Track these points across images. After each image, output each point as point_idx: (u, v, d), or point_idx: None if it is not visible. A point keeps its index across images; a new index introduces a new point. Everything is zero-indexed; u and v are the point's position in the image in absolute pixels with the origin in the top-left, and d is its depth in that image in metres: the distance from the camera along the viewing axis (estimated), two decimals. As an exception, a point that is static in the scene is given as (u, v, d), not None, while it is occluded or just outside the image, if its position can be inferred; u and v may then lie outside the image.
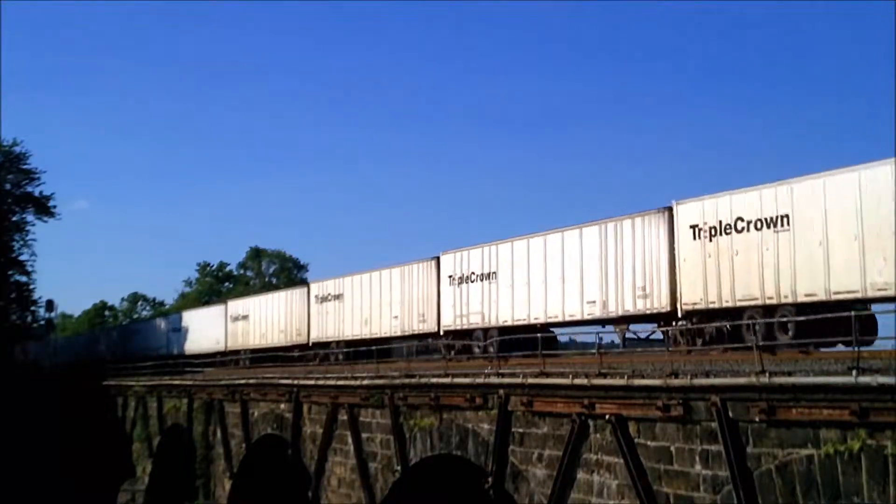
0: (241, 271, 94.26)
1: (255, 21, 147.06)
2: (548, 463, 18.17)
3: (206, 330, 50.25)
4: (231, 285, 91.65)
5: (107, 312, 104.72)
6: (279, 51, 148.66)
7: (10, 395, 47.40)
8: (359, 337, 34.97)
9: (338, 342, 37.52)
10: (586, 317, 24.21)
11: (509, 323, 26.78)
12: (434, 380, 22.06)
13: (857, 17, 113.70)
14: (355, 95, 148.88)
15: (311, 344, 39.36)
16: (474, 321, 28.68)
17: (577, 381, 17.25)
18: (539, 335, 20.39)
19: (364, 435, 25.42)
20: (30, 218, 56.23)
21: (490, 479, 19.62)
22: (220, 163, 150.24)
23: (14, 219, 55.89)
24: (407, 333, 32.49)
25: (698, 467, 14.85)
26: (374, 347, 28.96)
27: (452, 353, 29.13)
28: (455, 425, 21.41)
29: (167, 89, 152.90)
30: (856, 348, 13.60)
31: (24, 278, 56.67)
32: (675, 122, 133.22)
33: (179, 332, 53.91)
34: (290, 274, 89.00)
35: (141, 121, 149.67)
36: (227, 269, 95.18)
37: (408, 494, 23.71)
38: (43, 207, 56.11)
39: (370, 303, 34.94)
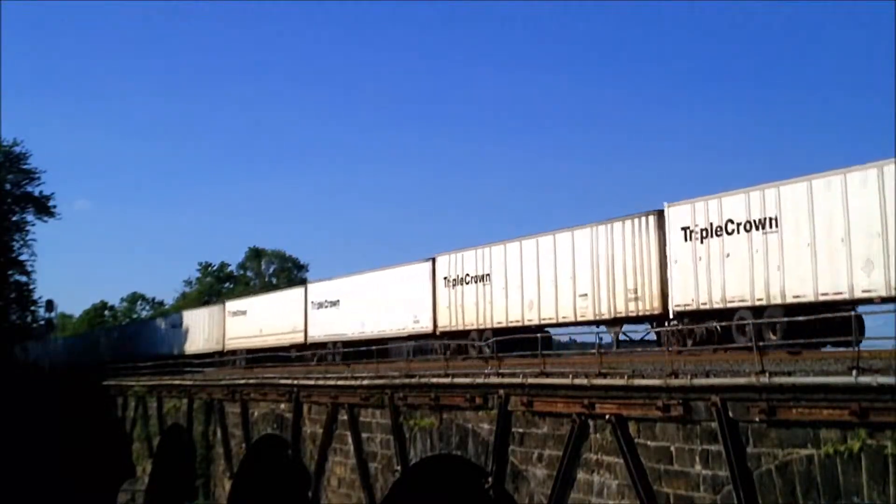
0: (241, 271, 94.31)
1: (255, 21, 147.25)
2: (548, 463, 18.17)
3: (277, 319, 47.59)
4: (231, 285, 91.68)
5: (107, 312, 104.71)
6: (279, 51, 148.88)
7: (10, 395, 47.39)
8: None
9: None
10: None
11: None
12: (434, 380, 22.06)
13: (857, 17, 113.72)
14: (355, 95, 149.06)
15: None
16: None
17: (577, 381, 17.24)
18: (538, 335, 20.39)
19: (364, 435, 25.42)
20: (30, 218, 56.39)
21: (490, 479, 19.62)
22: (220, 163, 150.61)
23: (14, 219, 55.94)
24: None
25: (698, 467, 14.84)
26: (373, 347, 29.06)
27: (447, 352, 29.14)
28: (455, 425, 21.40)
29: (167, 89, 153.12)
30: (856, 348, 13.61)
31: (24, 278, 56.82)
32: (674, 123, 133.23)
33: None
34: (289, 274, 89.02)
35: (141, 121, 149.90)
36: (228, 269, 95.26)
37: (408, 494, 23.71)
38: (43, 207, 56.14)
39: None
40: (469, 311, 29.06)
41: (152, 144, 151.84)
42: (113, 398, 50.24)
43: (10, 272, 55.81)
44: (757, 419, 13.77)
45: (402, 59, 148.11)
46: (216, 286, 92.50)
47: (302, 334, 40.26)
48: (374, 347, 29.05)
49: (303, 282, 62.75)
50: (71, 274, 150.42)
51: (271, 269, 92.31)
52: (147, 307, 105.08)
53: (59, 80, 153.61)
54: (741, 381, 14.06)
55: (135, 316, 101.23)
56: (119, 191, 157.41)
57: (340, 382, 26.69)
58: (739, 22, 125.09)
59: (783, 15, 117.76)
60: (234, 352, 46.76)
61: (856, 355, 13.20)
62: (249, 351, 44.78)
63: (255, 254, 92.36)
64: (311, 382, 28.88)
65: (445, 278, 30.39)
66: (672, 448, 15.36)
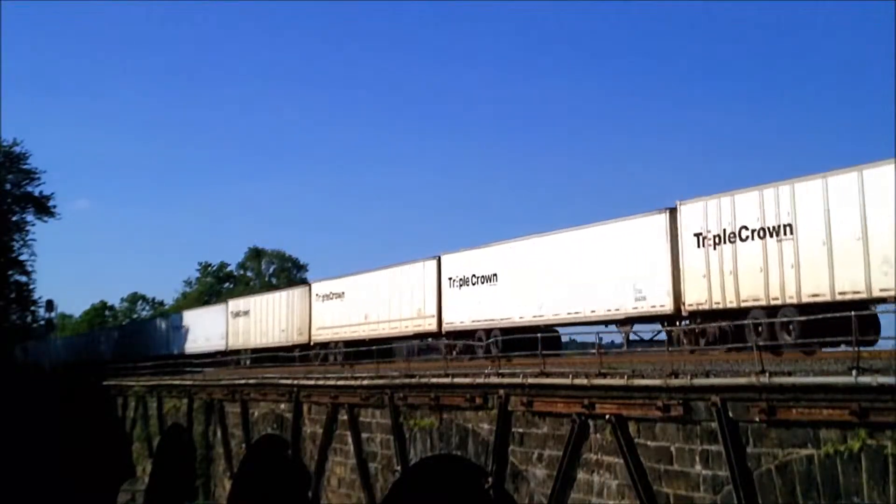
0: (241, 271, 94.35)
1: (255, 21, 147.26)
2: (548, 463, 18.17)
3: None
4: (231, 285, 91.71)
5: (107, 312, 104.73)
6: (279, 51, 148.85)
7: (10, 395, 47.40)
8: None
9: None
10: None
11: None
12: (434, 380, 22.06)
13: (858, 17, 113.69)
14: (355, 95, 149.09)
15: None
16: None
17: (577, 381, 17.24)
18: (538, 335, 20.20)
19: (364, 435, 25.42)
20: (30, 218, 56.40)
21: (490, 479, 19.62)
22: (220, 163, 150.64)
23: (14, 219, 55.93)
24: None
25: (698, 467, 14.84)
26: (374, 347, 28.97)
27: (454, 353, 29.03)
28: (455, 425, 21.40)
29: (167, 89, 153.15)
30: (856, 348, 13.60)
31: (24, 278, 56.81)
32: (677, 122, 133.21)
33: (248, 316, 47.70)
34: (289, 274, 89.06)
35: (141, 121, 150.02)
36: (228, 269, 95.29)
37: (408, 494, 23.71)
38: (43, 207, 56.15)
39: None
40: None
41: (152, 144, 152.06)
42: (113, 398, 50.26)
43: (10, 272, 55.81)
44: (757, 419, 13.76)
45: (402, 60, 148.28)
46: (216, 286, 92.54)
47: (433, 320, 30.81)
48: (540, 335, 20.65)
49: (304, 281, 62.58)
50: (71, 274, 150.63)
51: (271, 269, 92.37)
52: (147, 307, 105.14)
53: (59, 80, 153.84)
54: (741, 381, 14.06)
55: (135, 316, 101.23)
56: (119, 191, 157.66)
57: (340, 382, 26.70)
58: (739, 18, 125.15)
59: (795, 14, 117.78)
60: (325, 344, 38.22)
61: (856, 355, 13.19)
62: (349, 343, 34.95)
63: (255, 254, 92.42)
64: (311, 382, 28.88)
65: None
66: (672, 448, 15.36)
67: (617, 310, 23.31)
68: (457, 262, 29.78)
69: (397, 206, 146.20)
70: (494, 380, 19.87)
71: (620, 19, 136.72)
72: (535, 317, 25.84)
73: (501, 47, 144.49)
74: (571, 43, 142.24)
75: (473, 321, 28.50)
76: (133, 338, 63.73)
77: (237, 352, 46.17)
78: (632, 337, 23.88)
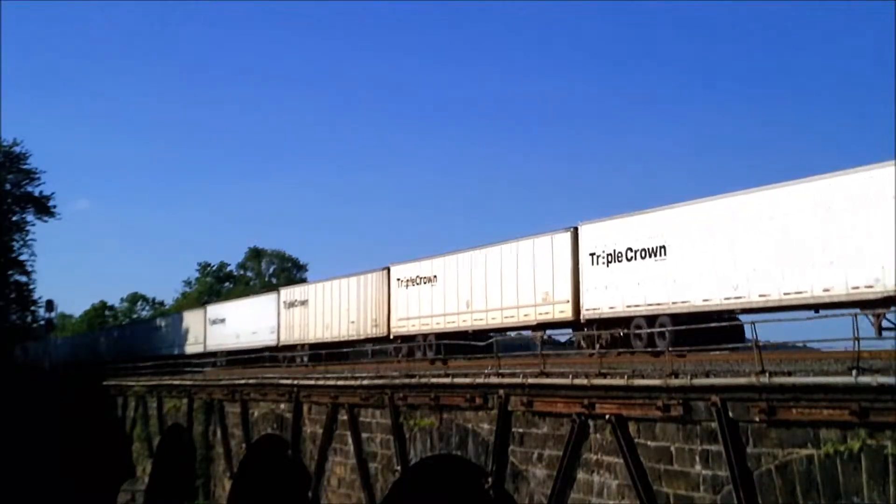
0: (241, 271, 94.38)
1: (255, 21, 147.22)
2: (548, 463, 18.18)
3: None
4: (231, 285, 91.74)
5: (107, 312, 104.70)
6: (279, 51, 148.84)
7: (10, 395, 47.42)
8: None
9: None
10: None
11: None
12: (434, 380, 22.07)
13: (857, 16, 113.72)
14: (355, 95, 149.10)
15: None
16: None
17: (577, 381, 17.26)
18: (723, 323, 19.89)
19: (364, 435, 25.43)
20: (30, 218, 56.40)
21: (490, 479, 19.63)
22: (220, 163, 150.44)
23: (14, 219, 55.96)
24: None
25: (698, 467, 14.85)
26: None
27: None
28: (455, 425, 21.41)
29: (167, 89, 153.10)
30: (856, 349, 13.60)
31: (24, 278, 56.82)
32: (678, 122, 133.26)
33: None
34: (289, 274, 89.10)
35: (141, 121, 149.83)
36: (227, 269, 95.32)
37: (408, 494, 23.72)
38: (43, 207, 56.18)
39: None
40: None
41: (152, 144, 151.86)
42: (113, 398, 50.28)
43: (10, 272, 55.84)
44: (757, 419, 13.77)
45: (402, 60, 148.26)
46: (216, 286, 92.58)
47: (565, 305, 24.94)
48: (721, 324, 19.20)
49: (303, 280, 61.80)
50: (71, 274, 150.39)
51: (271, 269, 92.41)
52: (147, 307, 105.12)
53: (59, 80, 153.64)
54: (741, 381, 14.07)
55: (135, 316, 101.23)
56: (119, 191, 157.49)
57: (340, 382, 26.71)
58: (739, 18, 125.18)
59: (793, 14, 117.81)
60: (410, 337, 32.16)
61: (856, 355, 13.19)
62: (441, 336, 29.88)
63: (255, 254, 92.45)
64: (311, 382, 28.91)
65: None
66: (672, 448, 15.37)
67: None
68: (603, 233, 23.90)
69: (397, 206, 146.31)
70: (494, 380, 19.88)
71: (619, 20, 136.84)
72: (725, 300, 20.16)
73: (501, 47, 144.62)
74: (571, 43, 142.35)
75: (629, 306, 22.70)
76: (150, 335, 59.66)
77: (291, 347, 40.13)
78: None
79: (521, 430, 19.08)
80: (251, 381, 33.93)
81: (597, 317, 23.69)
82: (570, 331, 26.46)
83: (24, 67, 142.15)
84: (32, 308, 59.62)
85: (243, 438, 34.00)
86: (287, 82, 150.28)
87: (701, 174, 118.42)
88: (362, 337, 34.57)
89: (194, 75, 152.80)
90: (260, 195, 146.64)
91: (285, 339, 40.84)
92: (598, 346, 21.90)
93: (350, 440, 25.87)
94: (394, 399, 23.58)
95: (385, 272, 33.66)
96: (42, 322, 63.02)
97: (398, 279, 32.81)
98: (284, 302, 41.21)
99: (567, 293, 24.73)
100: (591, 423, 17.11)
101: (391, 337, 32.73)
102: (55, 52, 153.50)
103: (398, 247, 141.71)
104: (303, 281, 75.63)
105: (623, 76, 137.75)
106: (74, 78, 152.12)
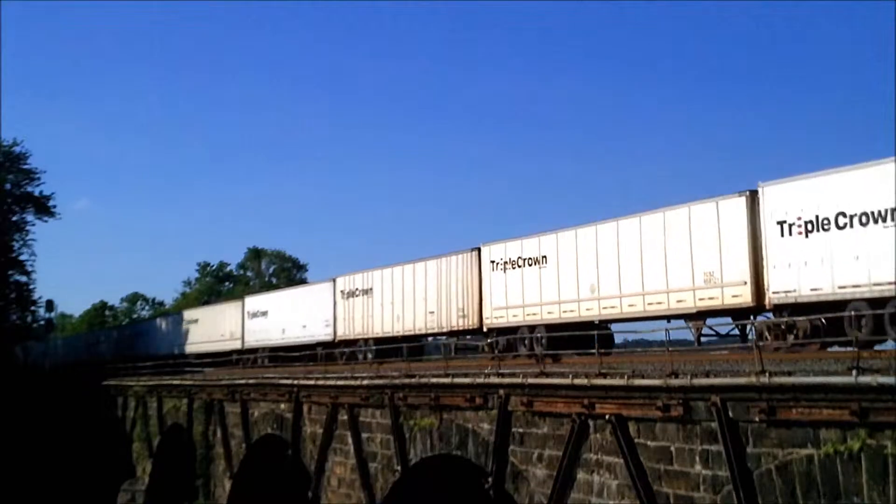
0: (241, 271, 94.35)
1: (256, 21, 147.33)
2: (548, 463, 18.17)
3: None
4: (231, 285, 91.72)
5: (107, 312, 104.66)
6: (280, 51, 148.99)
7: (10, 395, 47.42)
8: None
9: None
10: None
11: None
12: (434, 380, 22.06)
13: (858, 16, 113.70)
14: (355, 95, 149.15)
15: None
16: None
17: (577, 381, 17.25)
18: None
19: (364, 435, 25.42)
20: (30, 218, 56.54)
21: (490, 479, 19.62)
22: (220, 163, 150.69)
23: (14, 219, 56.02)
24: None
25: (698, 467, 14.84)
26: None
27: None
28: (455, 425, 21.41)
29: (167, 89, 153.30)
30: (856, 349, 13.61)
31: (24, 278, 56.92)
32: (680, 122, 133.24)
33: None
34: (289, 274, 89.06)
35: (141, 121, 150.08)
36: (228, 269, 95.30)
37: (408, 494, 23.71)
38: (43, 207, 56.25)
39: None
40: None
41: (152, 144, 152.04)
42: (113, 398, 50.26)
43: (10, 272, 55.88)
44: (757, 419, 13.77)
45: (402, 60, 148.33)
46: (216, 286, 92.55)
47: (740, 288, 20.31)
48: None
49: (303, 281, 61.08)
50: (71, 274, 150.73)
51: (271, 270, 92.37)
52: (147, 307, 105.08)
53: (59, 80, 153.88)
54: (741, 380, 14.07)
55: (135, 316, 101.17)
56: (119, 191, 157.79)
57: (340, 382, 26.70)
58: (738, 18, 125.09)
59: (794, 14, 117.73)
60: (509, 329, 27.68)
61: (856, 355, 13.19)
62: (552, 328, 25.67)
63: (255, 254, 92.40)
64: (311, 382, 28.88)
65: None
66: (672, 448, 15.36)
67: None
68: (798, 194, 18.77)
69: (398, 205, 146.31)
70: (494, 380, 19.87)
71: (620, 19, 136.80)
72: None
73: (501, 47, 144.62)
74: (572, 42, 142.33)
75: (841, 287, 17.73)
76: (173, 330, 54.95)
77: (352, 342, 35.94)
78: None
79: (521, 430, 19.08)
80: (251, 381, 33.92)
81: (787, 301, 18.92)
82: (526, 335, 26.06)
83: (24, 67, 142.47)
84: (32, 308, 59.82)
85: (243, 438, 33.98)
86: (287, 82, 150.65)
87: (702, 174, 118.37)
88: (445, 330, 30.73)
89: (194, 75, 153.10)
90: (260, 195, 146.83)
91: (343, 333, 36.58)
92: (792, 336, 18.44)
93: (350, 440, 25.85)
94: (394, 399, 23.57)
95: (475, 253, 29.31)
96: (42, 322, 63.09)
97: (493, 261, 28.37)
98: (342, 291, 36.91)
99: (743, 272, 20.08)
100: (591, 423, 17.10)
101: (485, 330, 28.77)
102: (55, 53, 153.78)
103: (398, 247, 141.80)
104: (303, 281, 75.44)
105: (623, 76, 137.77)
106: (74, 78, 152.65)
